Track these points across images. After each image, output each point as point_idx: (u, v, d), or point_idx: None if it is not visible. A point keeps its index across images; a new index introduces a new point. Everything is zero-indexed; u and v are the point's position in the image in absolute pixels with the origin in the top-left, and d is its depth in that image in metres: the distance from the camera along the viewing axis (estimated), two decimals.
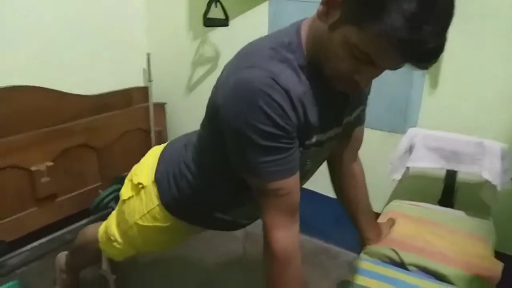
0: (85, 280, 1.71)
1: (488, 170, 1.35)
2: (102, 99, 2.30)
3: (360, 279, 1.12)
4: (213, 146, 0.96)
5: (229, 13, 2.12)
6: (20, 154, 1.87)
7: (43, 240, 1.90)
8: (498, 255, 1.27)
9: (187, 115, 2.56)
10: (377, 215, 1.44)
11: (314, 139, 0.89)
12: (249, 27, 2.16)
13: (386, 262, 1.18)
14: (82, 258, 1.53)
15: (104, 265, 1.45)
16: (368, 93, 1.09)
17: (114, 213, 1.30)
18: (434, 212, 1.44)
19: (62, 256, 1.65)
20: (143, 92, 2.50)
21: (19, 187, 1.89)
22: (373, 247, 1.22)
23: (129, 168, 2.23)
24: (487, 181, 1.39)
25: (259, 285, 1.13)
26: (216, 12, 2.10)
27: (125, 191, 1.21)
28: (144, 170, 1.18)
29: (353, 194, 1.22)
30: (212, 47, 2.34)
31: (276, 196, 0.84)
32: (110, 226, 1.29)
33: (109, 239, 1.28)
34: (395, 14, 0.64)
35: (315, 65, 0.82)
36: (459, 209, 1.47)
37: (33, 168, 1.91)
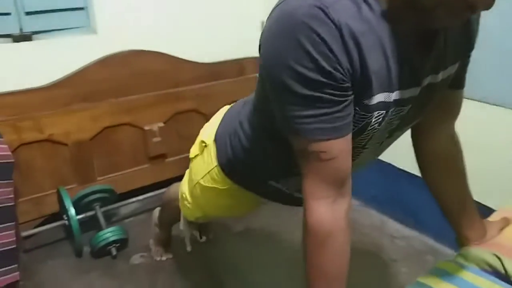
0: (177, 237, 1.79)
1: None
2: (215, 67, 2.35)
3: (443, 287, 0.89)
4: (261, 103, 0.85)
5: None
6: (136, 113, 2.03)
7: (149, 194, 2.04)
8: None
9: None
10: (490, 212, 1.15)
11: (376, 99, 0.69)
12: None
13: (486, 271, 0.92)
14: (167, 215, 1.60)
15: (181, 224, 1.48)
16: (471, 44, 0.83)
17: (187, 171, 1.30)
18: None
19: (156, 211, 1.74)
20: (255, 62, 2.48)
21: (133, 144, 2.07)
22: (472, 250, 0.97)
23: None
24: None
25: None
26: None
27: (193, 149, 1.19)
28: (210, 127, 1.14)
29: (445, 181, 0.97)
30: None
31: (318, 160, 0.69)
32: (183, 184, 1.29)
33: (182, 197, 1.29)
34: None
35: (393, 3, 0.64)
36: None
37: (146, 128, 2.06)
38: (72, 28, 1.97)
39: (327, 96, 0.64)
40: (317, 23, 0.60)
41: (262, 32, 0.70)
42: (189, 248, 1.58)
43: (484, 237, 0.99)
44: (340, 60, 0.62)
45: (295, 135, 0.70)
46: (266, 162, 0.95)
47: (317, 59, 0.61)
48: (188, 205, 1.25)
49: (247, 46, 2.52)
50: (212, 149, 1.08)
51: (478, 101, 1.54)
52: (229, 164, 1.04)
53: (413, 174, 1.33)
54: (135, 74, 2.04)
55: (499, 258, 0.91)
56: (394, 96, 0.70)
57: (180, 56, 2.19)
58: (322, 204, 0.71)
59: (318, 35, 0.60)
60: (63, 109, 1.86)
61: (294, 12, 0.61)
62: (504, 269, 0.89)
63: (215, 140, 1.07)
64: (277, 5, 0.67)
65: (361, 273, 0.77)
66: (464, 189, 0.97)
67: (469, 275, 0.89)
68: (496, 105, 1.48)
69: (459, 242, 1.02)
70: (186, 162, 2.25)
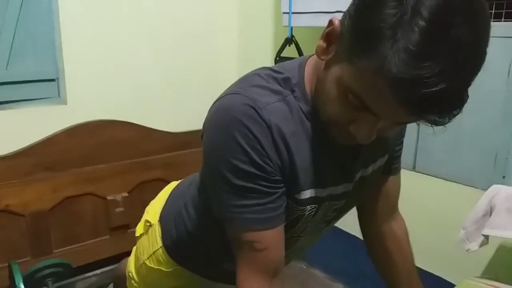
0: None
1: None
2: (186, 136, 2.38)
3: None
4: (204, 187, 0.85)
5: (307, 52, 2.03)
6: (99, 183, 2.01)
7: (106, 268, 1.96)
8: None
9: None
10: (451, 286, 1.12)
11: (307, 194, 0.72)
12: None
13: None
14: None
15: None
16: (399, 139, 0.88)
17: (134, 248, 1.25)
18: None
19: (111, 286, 1.66)
20: None
21: (94, 215, 2.03)
22: None
23: None
24: None
25: None
26: (292, 52, 2.04)
27: (139, 227, 1.16)
28: (155, 206, 1.12)
29: (391, 261, 0.96)
30: None
31: (251, 250, 0.69)
32: (130, 262, 1.24)
33: (128, 276, 1.23)
34: (392, 45, 0.50)
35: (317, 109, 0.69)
36: None
37: (109, 197, 2.03)
38: (42, 98, 2.01)
39: (259, 187, 0.66)
40: (251, 122, 0.64)
41: (204, 121, 0.73)
42: None
43: None
44: (270, 155, 0.65)
45: (229, 223, 0.71)
46: (211, 245, 0.93)
47: (249, 152, 0.64)
48: (135, 284, 1.20)
49: None
50: (157, 230, 1.05)
51: (434, 176, 1.57)
52: (174, 247, 1.01)
53: (338, 227, 1.31)
54: (102, 144, 2.05)
55: None
56: (327, 191, 0.74)
57: (149, 126, 2.22)
58: None
59: (251, 132, 0.64)
60: (24, 179, 1.84)
61: (231, 109, 0.66)
62: None
63: (160, 220, 1.05)
64: (218, 98, 0.72)
65: None
66: (412, 268, 0.97)
67: None
68: (449, 180, 1.51)
69: None
70: None
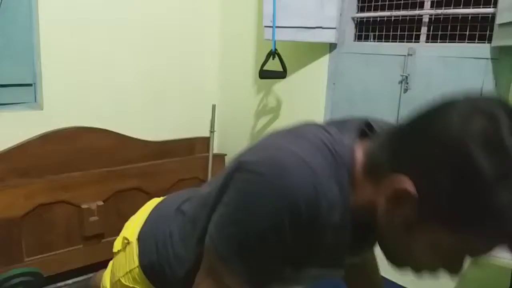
0: None
1: None
2: (163, 145, 2.37)
3: None
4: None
5: (289, 66, 2.07)
6: (74, 190, 1.97)
7: (79, 278, 1.92)
8: None
9: None
10: None
11: (313, 272, 0.71)
12: (309, 79, 2.09)
13: None
14: None
15: None
16: None
17: (110, 263, 1.23)
18: None
19: None
20: (206, 142, 2.53)
21: (68, 223, 1.97)
22: None
23: None
24: None
25: None
26: (275, 65, 2.07)
27: (117, 243, 1.13)
28: (134, 223, 1.09)
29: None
30: (274, 99, 2.30)
31: None
32: (105, 276, 1.21)
33: None
34: (504, 210, 0.49)
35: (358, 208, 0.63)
36: None
37: (83, 206, 1.99)
38: (18, 103, 1.97)
39: (275, 261, 0.64)
40: (307, 212, 0.58)
41: (247, 154, 0.66)
42: None
43: None
44: (305, 241, 0.61)
45: (216, 256, 0.68)
46: (191, 278, 0.92)
47: (286, 235, 0.60)
48: None
49: (198, 126, 2.59)
50: (134, 248, 1.03)
51: None
52: (152, 269, 0.99)
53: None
54: (78, 151, 2.02)
55: None
56: (327, 271, 0.72)
57: (127, 134, 2.20)
58: None
59: (300, 223, 0.59)
60: None
61: (292, 187, 0.58)
62: None
63: (138, 239, 1.04)
64: (271, 142, 0.66)
65: None
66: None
67: None
68: None
69: None
70: None
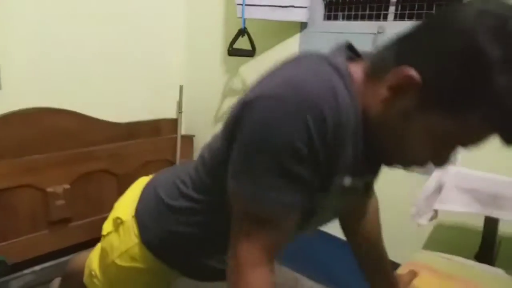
0: None
1: None
2: (130, 127, 2.31)
3: None
4: (220, 183, 0.77)
5: (259, 45, 2.08)
6: (38, 174, 1.87)
7: (46, 264, 1.84)
8: None
9: None
10: (397, 265, 1.21)
11: (342, 181, 0.71)
12: (280, 58, 2.10)
13: None
14: None
15: None
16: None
17: (98, 245, 1.19)
18: (468, 268, 1.19)
19: (55, 283, 1.56)
20: (174, 123, 2.49)
21: (32, 208, 1.88)
22: None
23: None
24: None
25: None
26: (244, 43, 2.07)
27: (106, 226, 1.10)
28: (125, 202, 1.06)
29: (365, 244, 1.04)
30: (242, 79, 2.29)
31: (268, 230, 0.68)
32: (92, 260, 1.17)
33: (90, 274, 1.17)
34: (505, 95, 0.53)
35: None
36: (499, 266, 1.20)
37: (48, 190, 1.90)
38: None
39: (303, 173, 0.63)
40: (328, 111, 0.60)
41: (250, 92, 0.67)
42: None
43: None
44: (329, 143, 0.62)
45: (252, 200, 0.66)
46: (210, 240, 0.91)
47: (315, 139, 0.61)
48: (98, 283, 1.14)
49: (165, 108, 2.54)
50: (131, 226, 1.01)
51: None
52: (158, 242, 0.97)
53: (326, 233, 1.37)
54: (41, 133, 1.91)
55: None
56: (349, 180, 0.72)
57: (92, 115, 2.11)
58: (260, 271, 0.68)
59: (325, 120, 0.60)
60: None
61: (309, 90, 0.61)
62: None
63: (136, 216, 1.01)
64: (275, 72, 0.69)
65: None
66: (381, 246, 1.04)
67: None
68: None
69: None
70: (93, 227, 2.12)
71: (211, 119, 2.50)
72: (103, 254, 1.09)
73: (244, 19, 1.98)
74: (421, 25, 0.62)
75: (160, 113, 2.49)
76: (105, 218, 1.78)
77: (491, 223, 1.26)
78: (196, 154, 2.54)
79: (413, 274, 1.13)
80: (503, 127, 0.56)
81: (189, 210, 0.90)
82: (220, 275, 0.96)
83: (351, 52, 0.75)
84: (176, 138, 2.43)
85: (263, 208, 0.66)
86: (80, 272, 1.24)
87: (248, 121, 0.64)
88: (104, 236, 1.08)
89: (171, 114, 2.56)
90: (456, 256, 1.26)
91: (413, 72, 0.57)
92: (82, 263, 1.26)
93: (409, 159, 0.68)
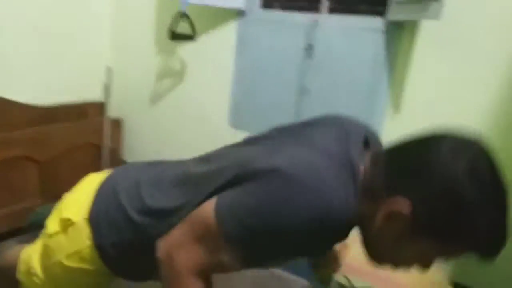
0: None
1: None
2: (52, 110, 2.15)
3: None
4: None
5: (197, 29, 2.06)
6: None
7: None
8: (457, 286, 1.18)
9: (147, 132, 2.46)
10: None
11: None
12: (217, 44, 2.12)
13: None
14: None
15: None
16: None
17: (38, 244, 1.13)
18: None
19: None
20: (100, 106, 2.37)
21: None
22: (326, 274, 1.11)
23: (75, 185, 2.07)
24: None
25: None
26: (182, 27, 2.04)
27: (52, 224, 1.05)
28: (76, 203, 1.02)
29: None
30: (178, 62, 2.27)
31: (213, 252, 0.76)
32: (32, 258, 1.11)
33: (28, 271, 1.11)
34: (478, 230, 0.66)
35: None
36: None
37: None
38: None
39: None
40: (338, 227, 0.71)
41: (279, 159, 0.74)
42: None
43: (331, 262, 1.13)
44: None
45: (217, 224, 0.75)
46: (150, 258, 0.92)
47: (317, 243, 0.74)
48: (38, 281, 1.09)
49: (90, 90, 2.41)
50: (83, 228, 0.98)
51: None
52: (111, 249, 0.96)
53: None
54: None
55: (347, 279, 1.06)
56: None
57: (9, 97, 1.94)
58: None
59: (329, 235, 0.73)
60: None
61: (325, 212, 0.69)
62: (352, 286, 1.04)
63: (89, 220, 0.98)
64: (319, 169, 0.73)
65: None
66: None
67: None
68: None
69: (313, 269, 1.14)
70: (15, 216, 1.96)
71: (145, 103, 2.43)
72: (47, 253, 1.05)
73: (186, 3, 1.94)
74: (405, 153, 0.73)
75: (86, 96, 2.35)
76: (27, 208, 1.71)
77: None
78: (127, 139, 2.47)
79: (346, 246, 1.25)
80: (482, 253, 0.69)
81: (151, 227, 0.90)
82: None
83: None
84: (102, 121, 2.32)
85: (223, 238, 0.74)
86: (11, 268, 1.18)
87: (265, 182, 0.73)
88: (51, 235, 1.04)
89: (98, 97, 2.43)
90: None
91: (403, 207, 0.68)
92: (13, 258, 1.20)
93: (399, 265, 0.78)
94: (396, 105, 1.69)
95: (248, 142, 0.93)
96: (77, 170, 2.14)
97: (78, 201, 1.02)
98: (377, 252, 0.79)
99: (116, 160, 2.35)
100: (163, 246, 0.81)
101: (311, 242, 0.73)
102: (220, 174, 0.82)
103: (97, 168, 2.27)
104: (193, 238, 0.78)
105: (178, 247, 0.79)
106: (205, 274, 0.79)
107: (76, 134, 2.21)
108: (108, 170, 1.09)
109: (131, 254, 0.95)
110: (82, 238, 0.97)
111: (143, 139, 2.48)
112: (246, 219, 0.72)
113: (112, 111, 2.34)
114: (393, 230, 0.71)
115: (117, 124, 2.41)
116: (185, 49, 2.22)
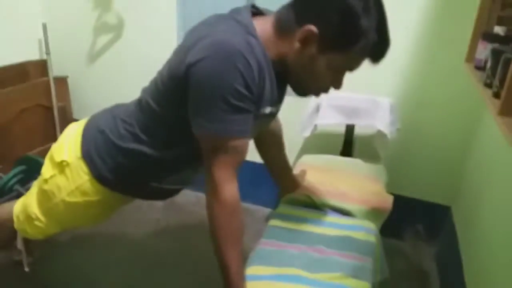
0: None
1: (380, 122, 1.57)
2: None
3: (280, 223, 1.26)
4: (171, 116, 1.01)
5: None
6: None
7: None
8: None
9: (92, 88, 2.47)
10: None
11: (268, 110, 1.01)
12: None
13: (303, 206, 1.34)
14: None
15: (19, 245, 1.40)
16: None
17: (33, 192, 1.26)
18: (337, 162, 1.64)
19: None
20: (41, 65, 2.34)
21: None
22: (290, 195, 1.37)
23: (31, 147, 2.12)
24: (379, 132, 1.61)
25: (183, 253, 1.28)
26: None
27: (46, 170, 1.19)
28: (66, 147, 1.17)
29: (272, 152, 1.36)
30: (115, 16, 2.25)
31: (232, 153, 0.93)
32: (30, 205, 1.25)
33: (28, 218, 1.25)
34: (369, 31, 0.87)
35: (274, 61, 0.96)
36: (357, 157, 1.69)
37: None
38: None
39: (246, 106, 0.91)
40: (249, 55, 0.88)
41: (190, 55, 0.90)
42: (27, 269, 1.50)
43: (296, 185, 1.40)
44: (256, 82, 0.91)
45: (218, 135, 0.92)
46: (161, 167, 1.11)
47: (246, 79, 0.88)
48: (40, 224, 1.24)
49: (28, 49, 2.34)
50: (78, 166, 1.13)
51: None
52: (110, 175, 1.12)
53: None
54: None
55: (309, 197, 1.34)
56: (273, 109, 1.04)
57: None
58: (232, 184, 0.95)
59: (249, 63, 0.88)
60: None
61: (232, 44, 0.87)
62: (314, 202, 1.32)
63: (83, 157, 1.13)
64: (203, 36, 0.90)
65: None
66: (284, 155, 1.38)
67: (296, 211, 1.30)
68: None
69: (281, 193, 1.41)
70: None
71: (84, 58, 2.42)
72: (47, 196, 1.20)
73: None
74: None
75: (23, 56, 2.29)
76: None
77: (350, 128, 1.73)
78: (72, 96, 2.47)
79: (304, 172, 1.53)
80: (371, 52, 0.91)
81: (137, 150, 1.09)
82: (169, 194, 1.23)
83: (254, 9, 1.02)
84: (47, 81, 2.30)
85: (228, 139, 0.92)
86: (8, 220, 1.32)
87: (196, 79, 0.90)
88: (46, 180, 1.18)
89: (36, 55, 2.38)
90: (327, 155, 1.71)
91: (313, 28, 0.88)
92: (6, 213, 1.34)
93: (317, 88, 1.02)
94: None
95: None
96: (31, 132, 2.18)
97: (67, 145, 1.17)
98: (301, 83, 1.01)
99: (67, 119, 2.37)
100: (210, 195, 0.97)
101: (255, 81, 0.90)
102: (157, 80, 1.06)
103: (50, 129, 2.31)
104: (213, 156, 0.94)
105: (210, 171, 0.95)
106: (235, 172, 0.97)
107: (23, 98, 2.19)
108: (84, 119, 1.24)
109: (127, 171, 1.13)
110: (80, 174, 1.14)
111: (88, 95, 2.49)
112: (208, 108, 0.90)
113: (55, 71, 2.32)
114: (308, 51, 0.92)
115: (62, 82, 2.40)
116: (121, 2, 2.21)
